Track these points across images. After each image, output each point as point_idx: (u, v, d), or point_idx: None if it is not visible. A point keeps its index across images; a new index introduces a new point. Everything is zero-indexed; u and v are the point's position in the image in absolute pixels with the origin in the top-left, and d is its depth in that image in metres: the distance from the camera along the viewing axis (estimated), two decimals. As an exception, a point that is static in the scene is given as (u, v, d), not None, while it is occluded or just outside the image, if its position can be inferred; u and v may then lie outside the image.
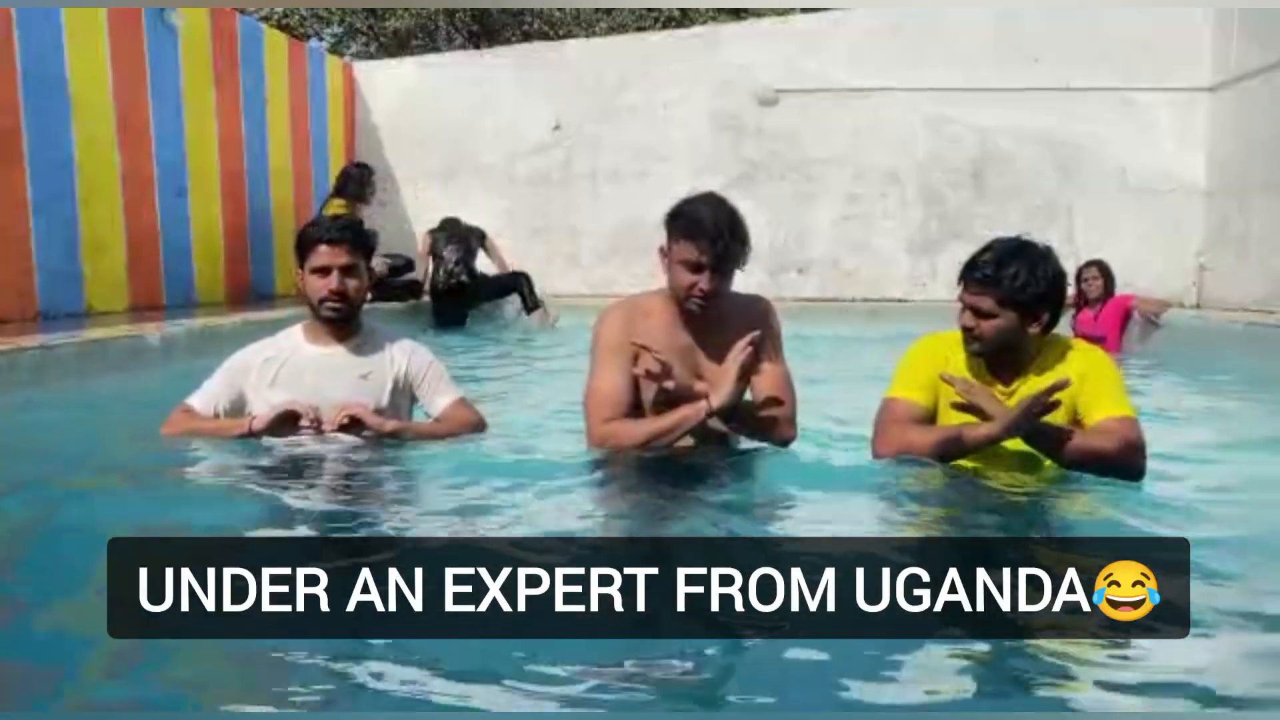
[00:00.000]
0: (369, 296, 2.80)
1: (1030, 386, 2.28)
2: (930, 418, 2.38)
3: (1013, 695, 1.47)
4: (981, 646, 1.58)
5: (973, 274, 2.27)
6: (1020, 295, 2.20)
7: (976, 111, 8.17)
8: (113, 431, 3.09)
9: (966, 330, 2.29)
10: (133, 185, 5.93)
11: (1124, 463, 2.23)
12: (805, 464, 2.56)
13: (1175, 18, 7.85)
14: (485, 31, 14.23)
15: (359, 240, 2.69)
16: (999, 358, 2.34)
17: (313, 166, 8.00)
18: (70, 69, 5.39)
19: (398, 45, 13.98)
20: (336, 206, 6.89)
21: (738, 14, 11.26)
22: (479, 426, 2.79)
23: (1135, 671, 1.47)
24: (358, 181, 7.12)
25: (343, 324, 2.68)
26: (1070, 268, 7.25)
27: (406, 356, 2.75)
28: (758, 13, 9.47)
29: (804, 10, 9.17)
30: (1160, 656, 1.51)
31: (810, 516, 2.27)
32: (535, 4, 13.36)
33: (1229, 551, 2.05)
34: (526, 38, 13.41)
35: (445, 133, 8.77)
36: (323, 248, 2.61)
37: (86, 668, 1.52)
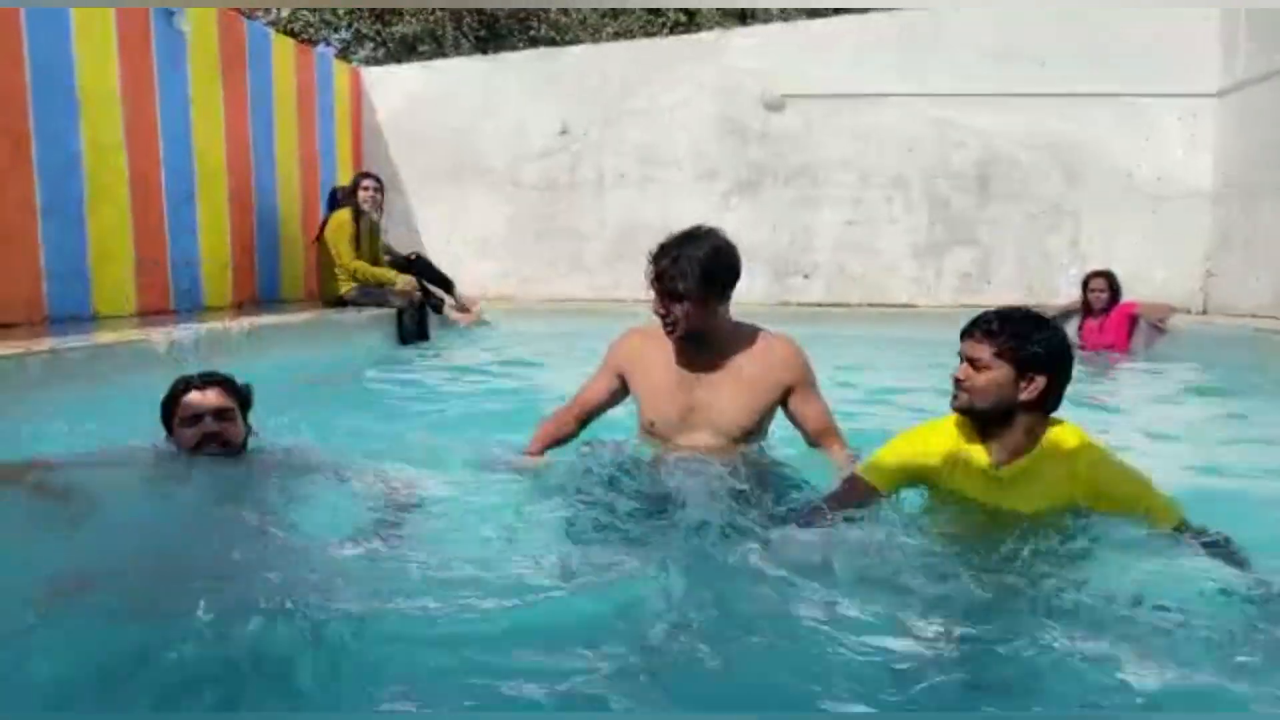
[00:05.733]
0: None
1: (1023, 472, 2.20)
2: (880, 495, 2.32)
3: (1013, 695, 1.47)
4: (982, 645, 1.58)
5: (974, 325, 2.23)
6: (1019, 350, 2.15)
7: (981, 116, 8.16)
8: (119, 438, 3.10)
9: (957, 382, 2.22)
10: (140, 190, 5.96)
11: None
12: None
13: (1181, 23, 7.82)
14: (492, 37, 14.26)
15: (230, 386, 2.52)
16: (988, 427, 2.23)
17: (320, 171, 8.02)
18: (79, 73, 5.42)
19: (405, 51, 14.03)
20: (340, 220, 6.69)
21: (743, 17, 11.27)
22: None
23: (1137, 670, 1.48)
24: (347, 193, 6.85)
25: None
26: (1076, 273, 7.37)
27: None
28: (765, 16, 9.47)
29: (810, 13, 9.17)
30: (1159, 657, 1.52)
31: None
32: (539, 4, 13.38)
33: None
34: (533, 44, 13.44)
35: (451, 136, 8.79)
36: (193, 395, 2.45)
37: (86, 669, 1.53)
